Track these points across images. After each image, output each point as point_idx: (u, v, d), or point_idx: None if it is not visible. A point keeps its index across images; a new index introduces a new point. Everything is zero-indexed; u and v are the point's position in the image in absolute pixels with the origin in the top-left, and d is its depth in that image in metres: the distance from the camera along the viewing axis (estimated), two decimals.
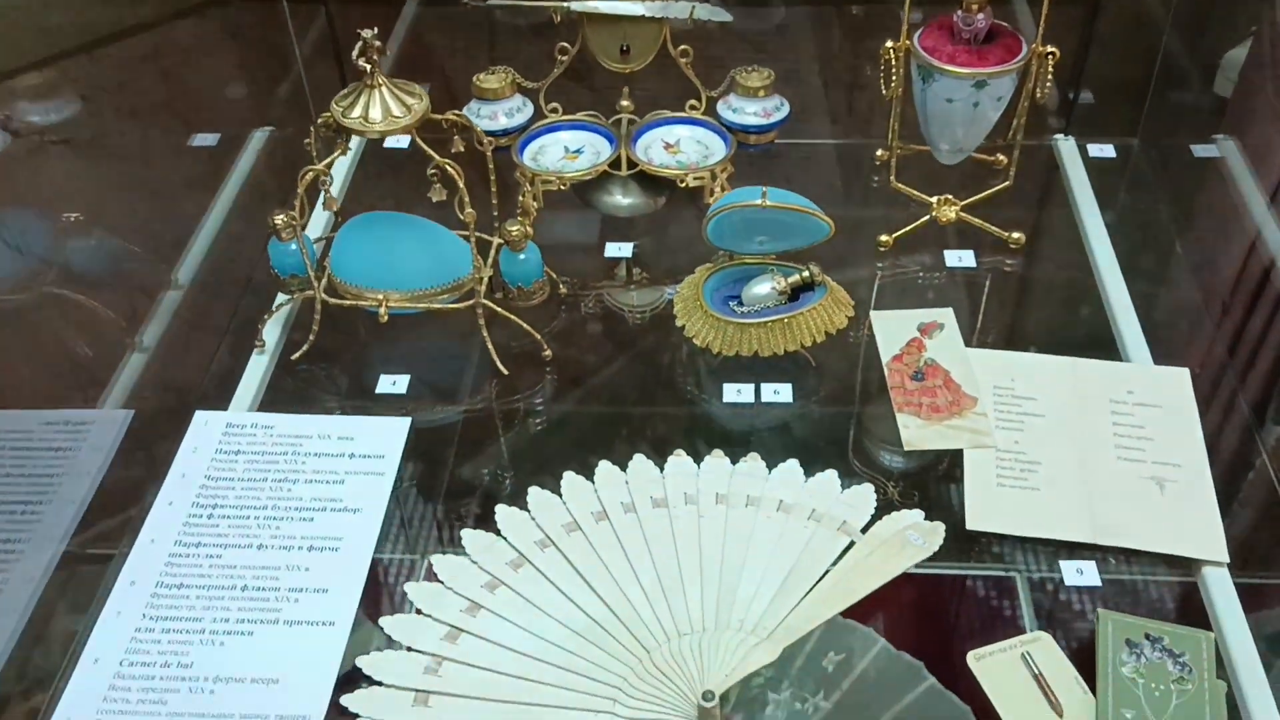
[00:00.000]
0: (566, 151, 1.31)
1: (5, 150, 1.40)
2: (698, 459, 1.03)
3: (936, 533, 0.97)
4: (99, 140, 1.46)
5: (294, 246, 1.10)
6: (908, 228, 1.24)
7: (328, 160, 1.04)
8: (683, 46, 1.28)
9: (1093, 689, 0.85)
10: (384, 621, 0.92)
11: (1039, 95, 1.15)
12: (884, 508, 0.99)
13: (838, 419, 1.09)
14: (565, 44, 1.28)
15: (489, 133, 1.23)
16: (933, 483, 1.02)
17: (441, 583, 0.94)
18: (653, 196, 1.30)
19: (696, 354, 1.13)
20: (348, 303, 1.10)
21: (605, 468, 1.03)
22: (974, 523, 0.97)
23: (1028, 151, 1.30)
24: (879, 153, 1.32)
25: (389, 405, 1.10)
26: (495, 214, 1.12)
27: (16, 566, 0.96)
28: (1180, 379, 1.08)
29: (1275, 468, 1.03)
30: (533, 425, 1.09)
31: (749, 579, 0.93)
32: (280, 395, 1.12)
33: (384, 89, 1.01)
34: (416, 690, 0.87)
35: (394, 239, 1.11)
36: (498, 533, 0.98)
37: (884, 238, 1.24)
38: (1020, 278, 1.24)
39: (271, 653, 0.90)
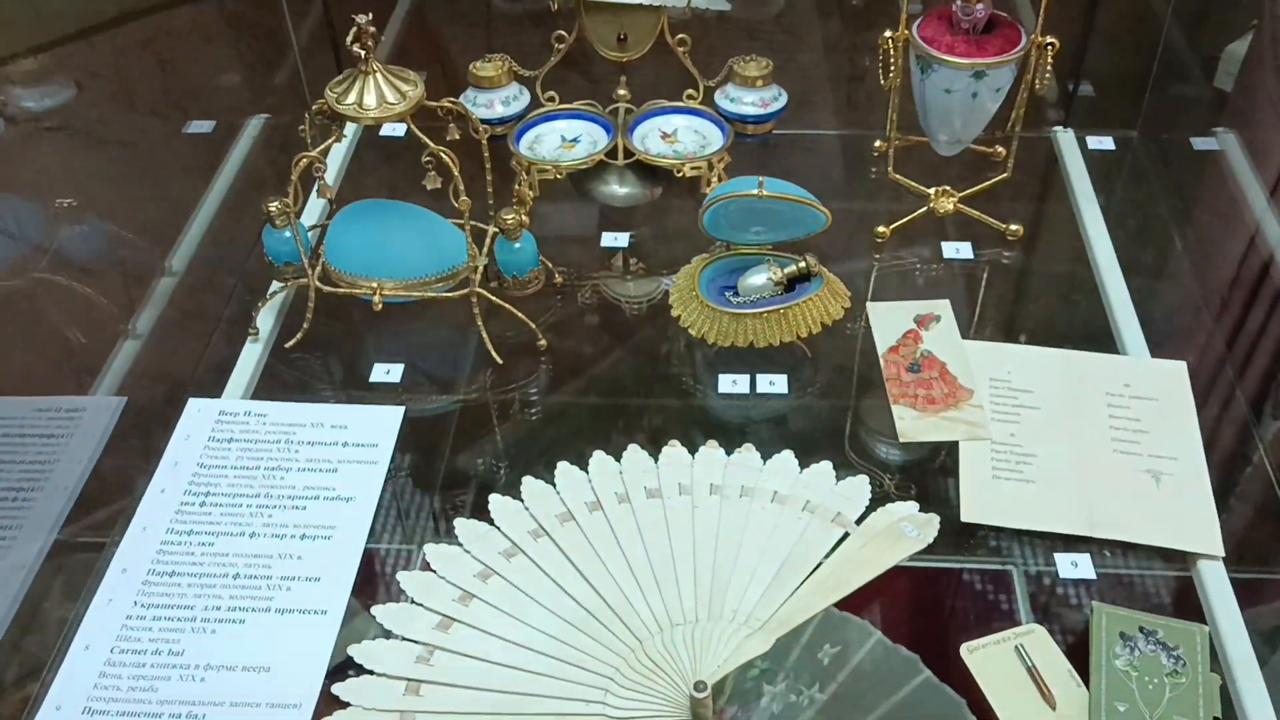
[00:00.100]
0: (563, 140, 1.30)
1: (0, 136, 1.40)
2: (692, 450, 1.03)
3: (931, 525, 0.96)
4: (94, 127, 1.46)
5: (288, 234, 1.09)
6: (905, 219, 1.23)
7: (322, 147, 1.03)
8: (680, 35, 1.27)
9: (1086, 682, 0.85)
10: (376, 610, 0.91)
11: (1038, 86, 1.15)
12: (879, 499, 0.98)
13: (833, 410, 1.09)
14: (562, 32, 1.28)
15: (485, 121, 1.23)
16: (928, 475, 1.02)
17: (434, 572, 0.94)
18: (649, 186, 1.30)
19: (692, 345, 1.13)
20: (342, 291, 1.10)
21: (599, 458, 1.02)
22: (969, 515, 0.97)
23: (1026, 143, 1.29)
24: (877, 144, 1.32)
25: (383, 394, 1.10)
26: (491, 202, 1.12)
27: (8, 554, 0.96)
28: (1177, 372, 1.08)
29: (1272, 462, 1.03)
30: (527, 415, 1.09)
31: (742, 570, 0.93)
32: (274, 383, 1.11)
33: (379, 75, 1.00)
34: (408, 679, 0.87)
35: (389, 227, 1.10)
36: (491, 522, 0.98)
37: (881, 229, 1.23)
38: (1018, 270, 1.23)
39: (263, 641, 0.89)
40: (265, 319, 1.15)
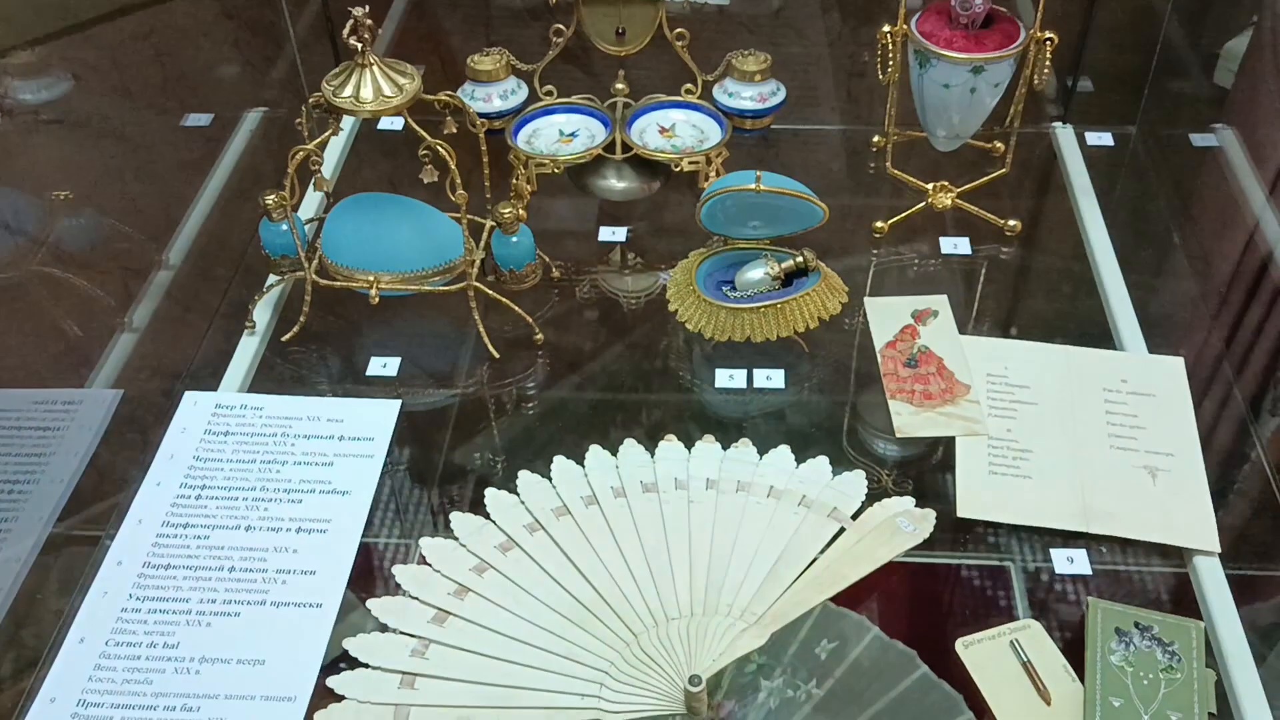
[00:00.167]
0: (561, 135, 1.30)
1: None
2: (689, 444, 1.02)
3: (927, 520, 0.96)
4: (91, 119, 1.46)
5: (285, 227, 1.09)
6: (903, 214, 1.23)
7: (319, 140, 1.03)
8: (679, 30, 1.27)
9: (1081, 677, 0.85)
10: (371, 604, 0.91)
11: (1037, 82, 1.15)
12: (876, 495, 0.98)
13: (830, 405, 1.09)
14: (560, 26, 1.28)
15: (483, 115, 1.23)
16: (925, 471, 1.01)
17: (430, 566, 0.94)
18: (647, 181, 1.29)
19: (689, 339, 1.12)
20: (339, 284, 1.10)
21: (596, 452, 1.02)
22: (965, 510, 0.97)
23: (1025, 139, 1.29)
24: (875, 139, 1.32)
25: (379, 387, 1.10)
26: (488, 196, 1.12)
27: (3, 546, 0.96)
28: (1174, 368, 1.07)
29: (1269, 459, 1.03)
30: (524, 409, 1.09)
31: (738, 564, 0.92)
32: (270, 376, 1.11)
33: (375, 68, 1.00)
34: (403, 673, 0.87)
35: (386, 220, 1.10)
36: (487, 516, 0.98)
37: (879, 224, 1.23)
38: (1016, 266, 1.23)
39: (258, 634, 0.89)
40: (262, 312, 1.15)
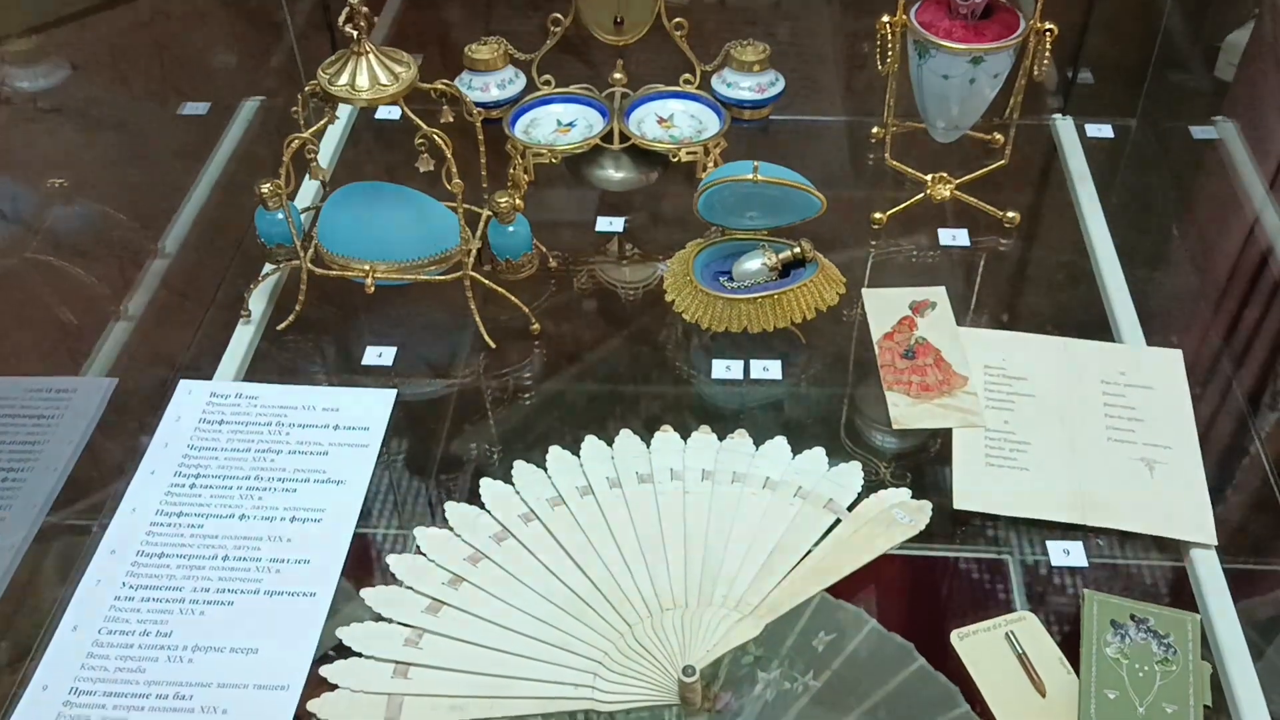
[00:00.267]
0: (559, 125, 1.30)
1: None
2: (685, 435, 1.02)
3: (923, 511, 0.96)
4: (88, 108, 1.45)
5: (280, 216, 1.09)
6: (901, 205, 1.23)
7: (314, 128, 1.03)
8: (677, 19, 1.27)
9: (1077, 669, 0.85)
10: (365, 593, 0.91)
11: (1036, 73, 1.14)
12: (872, 486, 0.98)
13: (827, 396, 1.09)
14: (559, 15, 1.27)
15: (480, 105, 1.22)
16: (923, 462, 1.01)
17: (424, 555, 0.94)
18: (645, 171, 1.29)
19: (686, 330, 1.12)
20: (334, 273, 1.10)
21: (591, 443, 1.02)
22: (962, 502, 0.96)
23: (1025, 131, 1.29)
24: (874, 130, 1.31)
25: (375, 377, 1.09)
26: (485, 186, 1.11)
27: None
28: (1173, 360, 1.07)
29: (1268, 454, 1.02)
30: (520, 400, 1.09)
31: (733, 555, 0.92)
32: (266, 365, 1.11)
33: (371, 57, 1.00)
34: (396, 662, 0.86)
35: (382, 210, 1.10)
36: (482, 506, 0.97)
37: (878, 215, 1.22)
38: (1015, 257, 1.23)
39: (251, 623, 0.89)
40: (257, 301, 1.15)
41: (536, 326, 1.12)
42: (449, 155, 1.01)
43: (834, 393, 1.09)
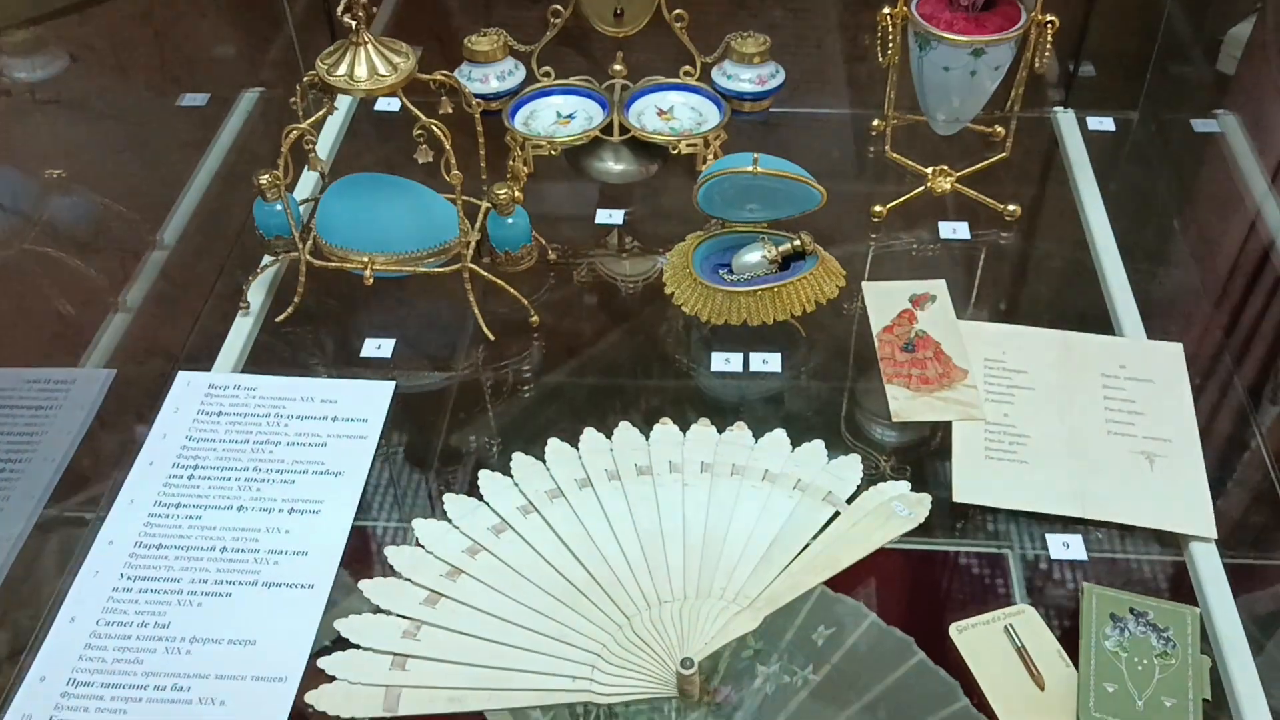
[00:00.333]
0: (559, 116, 1.29)
1: None
2: (684, 427, 1.02)
3: (922, 504, 0.96)
4: (88, 99, 1.45)
5: (279, 207, 1.08)
6: (902, 198, 1.22)
7: (313, 119, 1.02)
8: (677, 11, 1.26)
9: (1076, 662, 0.85)
10: (364, 585, 0.91)
11: (1037, 65, 1.14)
12: (872, 479, 0.98)
13: (826, 390, 1.08)
14: (559, 7, 1.27)
15: (480, 96, 1.22)
16: (923, 456, 1.01)
17: (422, 547, 0.94)
18: (645, 163, 1.29)
19: (686, 322, 1.12)
20: (333, 265, 1.09)
21: (590, 435, 1.02)
22: (961, 495, 0.96)
23: (1026, 124, 1.28)
24: (875, 123, 1.31)
25: (373, 369, 1.09)
26: (484, 178, 1.11)
27: None
28: (1173, 354, 1.07)
29: (1269, 448, 1.02)
30: (519, 392, 1.08)
31: (732, 547, 0.92)
32: (264, 357, 1.11)
33: (370, 47, 0.99)
34: (394, 654, 0.86)
35: (381, 201, 1.10)
36: (480, 498, 0.97)
37: (878, 208, 1.22)
38: (1015, 251, 1.22)
39: (249, 614, 0.89)
40: (256, 293, 1.15)
41: (535, 319, 1.12)
42: (447, 146, 1.00)
43: (833, 386, 1.09)
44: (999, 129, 1.27)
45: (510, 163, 1.19)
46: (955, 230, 1.23)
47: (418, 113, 1.00)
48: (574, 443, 1.01)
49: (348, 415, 1.04)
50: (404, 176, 1.11)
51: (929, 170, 1.24)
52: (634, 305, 1.17)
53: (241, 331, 1.12)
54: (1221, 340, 1.13)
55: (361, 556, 0.94)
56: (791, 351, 1.10)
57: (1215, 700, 0.83)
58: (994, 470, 0.98)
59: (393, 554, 0.93)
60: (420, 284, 1.13)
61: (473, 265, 1.08)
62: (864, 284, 1.15)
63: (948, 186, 1.23)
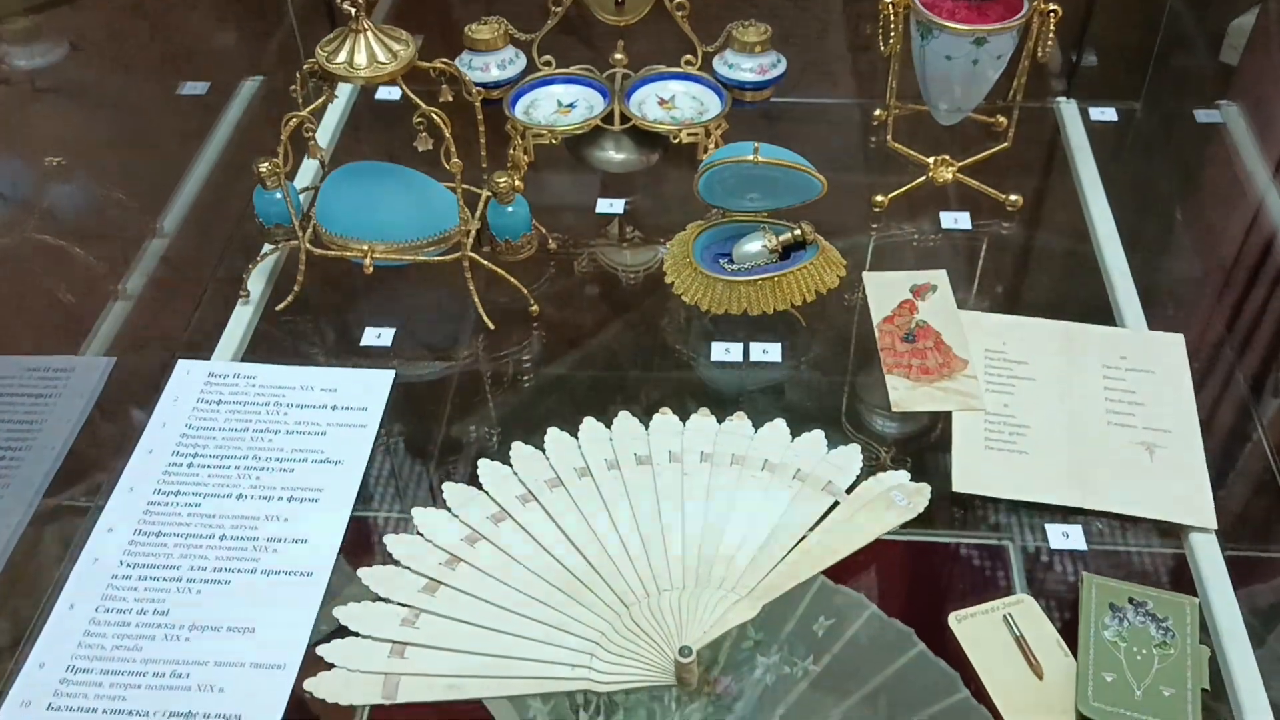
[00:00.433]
0: (559, 105, 1.29)
1: None
2: (684, 417, 1.02)
3: (921, 494, 0.96)
4: (88, 88, 1.45)
5: (279, 195, 1.08)
6: (903, 188, 1.22)
7: (312, 107, 1.02)
8: (678, 0, 1.26)
9: (1075, 652, 0.84)
10: (362, 573, 0.91)
11: (1040, 54, 1.13)
12: (871, 470, 0.98)
13: (826, 380, 1.08)
14: None
15: (481, 85, 1.21)
16: (924, 446, 1.01)
17: (421, 535, 0.94)
18: (646, 152, 1.29)
19: (686, 312, 1.12)
20: (333, 253, 1.09)
21: (589, 424, 1.01)
22: (961, 485, 0.96)
23: (1029, 114, 1.28)
24: (877, 113, 1.31)
25: (373, 358, 1.09)
26: (484, 166, 1.11)
27: None
28: (1174, 345, 1.07)
29: (1269, 439, 1.02)
30: (519, 381, 1.08)
31: (731, 537, 0.92)
32: (264, 345, 1.11)
33: (370, 34, 0.99)
34: (393, 642, 0.86)
35: (381, 189, 1.09)
36: (480, 487, 0.97)
37: (879, 198, 1.22)
38: (1017, 241, 1.22)
39: (248, 602, 0.89)
40: (256, 281, 1.15)
41: (536, 308, 1.11)
42: (447, 134, 1.00)
43: (834, 376, 1.09)
44: (1001, 119, 1.27)
45: (511, 152, 1.19)
46: (957, 220, 1.22)
47: (417, 100, 1.00)
48: (573, 432, 1.01)
49: (347, 404, 1.04)
50: (404, 165, 1.11)
51: (931, 160, 1.23)
52: (634, 295, 1.17)
53: (241, 320, 1.12)
54: (1223, 331, 1.12)
55: (361, 545, 0.94)
56: (792, 341, 1.10)
57: (1214, 691, 0.83)
58: (994, 460, 0.98)
59: (392, 542, 0.93)
60: (420, 273, 1.12)
61: (473, 254, 1.08)
62: (865, 274, 1.14)
63: (949, 176, 1.22)
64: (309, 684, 0.84)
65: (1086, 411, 1.01)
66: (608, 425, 1.01)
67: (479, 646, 0.86)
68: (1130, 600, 0.87)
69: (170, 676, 0.84)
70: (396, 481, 1.00)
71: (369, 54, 0.99)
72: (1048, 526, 0.94)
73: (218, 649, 0.86)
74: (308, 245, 1.09)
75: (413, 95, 1.00)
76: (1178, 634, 0.85)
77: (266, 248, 1.14)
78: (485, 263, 1.09)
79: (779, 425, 1.01)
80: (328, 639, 0.87)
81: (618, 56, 1.30)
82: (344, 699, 0.83)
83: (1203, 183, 1.33)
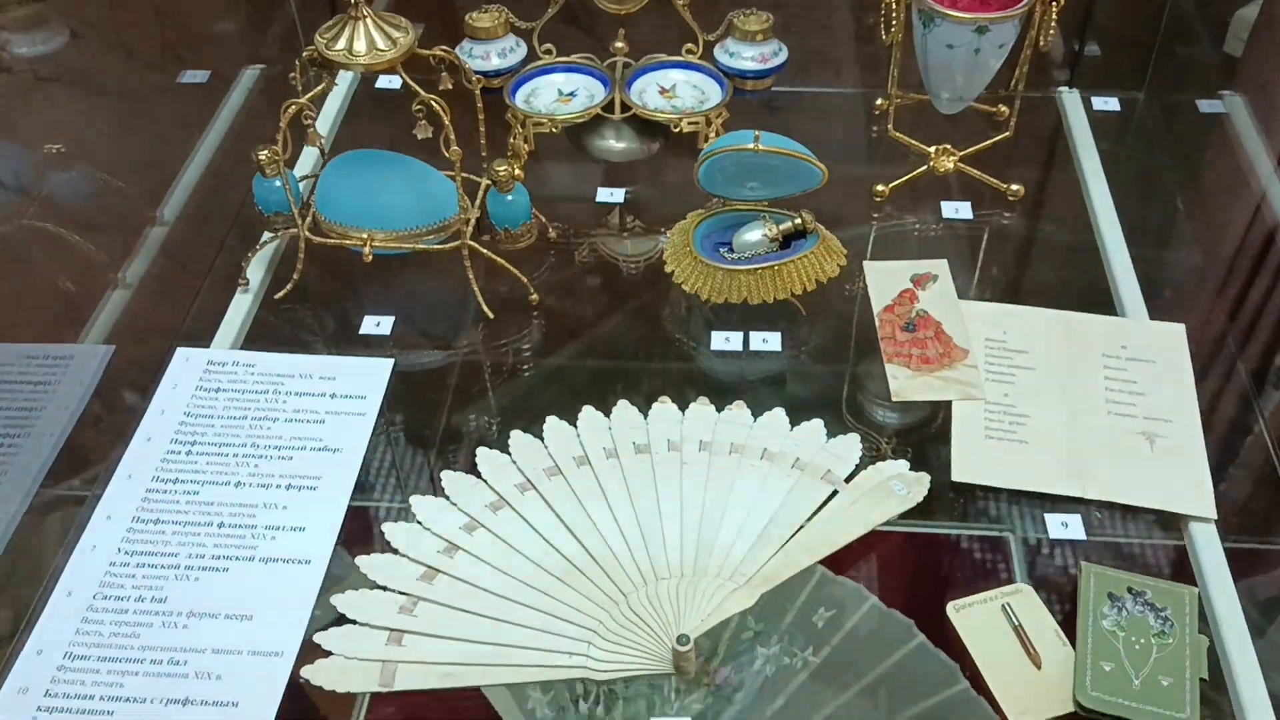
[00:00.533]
0: (560, 94, 1.29)
1: None
2: (683, 406, 1.02)
3: (921, 483, 0.95)
4: (89, 76, 1.44)
5: (278, 183, 1.08)
6: (904, 178, 1.22)
7: (311, 94, 1.02)
8: None
9: (1073, 642, 0.84)
10: (361, 561, 0.91)
11: (1042, 43, 1.13)
12: (871, 459, 0.97)
13: (826, 369, 1.08)
14: None
15: (481, 73, 1.21)
16: (924, 436, 1.00)
17: (419, 524, 0.94)
18: (646, 141, 1.28)
19: (686, 301, 1.11)
20: (332, 241, 1.09)
21: (588, 413, 1.01)
22: (960, 475, 0.96)
23: (1031, 104, 1.27)
24: (879, 102, 1.30)
25: (372, 346, 1.09)
26: (484, 155, 1.11)
27: None
28: (1175, 334, 1.06)
29: (1270, 430, 1.01)
30: (518, 370, 1.08)
31: (729, 525, 0.92)
32: (263, 334, 1.11)
33: (369, 21, 0.99)
34: (391, 629, 0.86)
35: (380, 177, 1.09)
36: (478, 475, 0.97)
37: (880, 188, 1.21)
38: (1018, 231, 1.22)
39: (246, 589, 0.89)
40: (255, 269, 1.14)
41: (535, 297, 1.11)
42: (446, 122, 1.00)
43: (833, 365, 1.09)
44: (1003, 108, 1.26)
45: (511, 140, 1.18)
46: (958, 210, 1.22)
47: (416, 88, 1.00)
48: (572, 421, 1.01)
49: (346, 392, 1.04)
50: (405, 154, 1.11)
51: (932, 149, 1.23)
52: (634, 284, 1.16)
53: (240, 308, 1.12)
54: (1224, 321, 1.12)
55: (359, 533, 0.94)
56: (792, 331, 1.10)
57: (1213, 680, 0.83)
58: (994, 450, 0.97)
59: (390, 530, 0.93)
60: (420, 262, 1.12)
61: (472, 243, 1.08)
62: (865, 263, 1.14)
63: (951, 166, 1.22)
64: (306, 671, 0.84)
65: (1087, 401, 1.01)
66: (607, 414, 1.01)
67: (476, 635, 0.86)
68: (1129, 590, 0.87)
69: (168, 664, 0.84)
70: (395, 470, 1.00)
71: (368, 41, 0.98)
72: (1047, 516, 0.94)
73: (215, 636, 0.86)
74: (307, 233, 1.08)
75: (412, 83, 1.00)
76: (1176, 623, 0.84)
77: (266, 236, 1.14)
78: (485, 251, 1.09)
79: (778, 414, 1.01)
80: (325, 627, 0.87)
81: (619, 45, 1.30)
82: (341, 687, 0.83)
83: (1205, 173, 1.33)
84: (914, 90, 1.24)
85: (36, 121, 1.37)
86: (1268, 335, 1.11)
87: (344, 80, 1.38)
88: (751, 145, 1.04)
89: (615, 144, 1.28)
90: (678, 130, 1.24)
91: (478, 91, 1.06)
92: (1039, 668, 0.83)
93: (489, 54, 1.28)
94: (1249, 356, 1.09)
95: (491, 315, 1.09)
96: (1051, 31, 1.12)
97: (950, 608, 0.87)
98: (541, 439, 1.00)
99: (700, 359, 1.08)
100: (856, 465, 0.97)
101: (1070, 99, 1.36)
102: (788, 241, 1.09)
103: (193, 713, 0.82)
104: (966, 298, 1.10)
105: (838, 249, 1.09)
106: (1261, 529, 0.96)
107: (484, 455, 0.98)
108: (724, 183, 1.10)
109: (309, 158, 1.25)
